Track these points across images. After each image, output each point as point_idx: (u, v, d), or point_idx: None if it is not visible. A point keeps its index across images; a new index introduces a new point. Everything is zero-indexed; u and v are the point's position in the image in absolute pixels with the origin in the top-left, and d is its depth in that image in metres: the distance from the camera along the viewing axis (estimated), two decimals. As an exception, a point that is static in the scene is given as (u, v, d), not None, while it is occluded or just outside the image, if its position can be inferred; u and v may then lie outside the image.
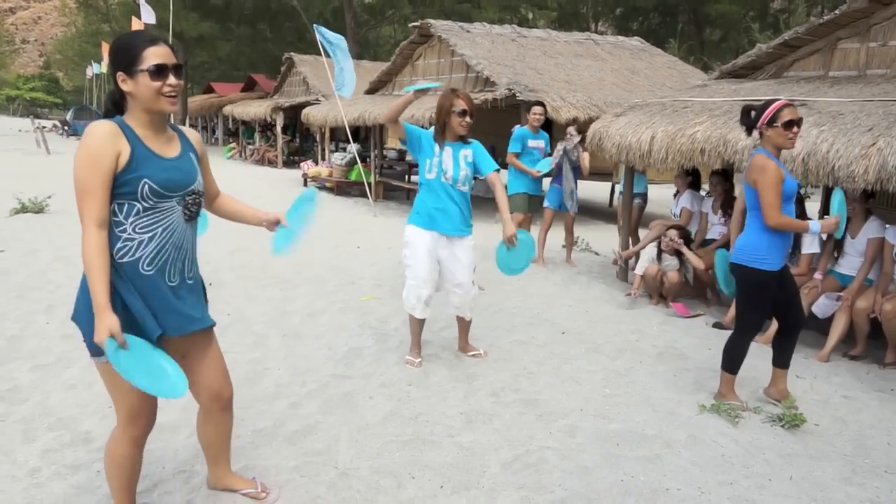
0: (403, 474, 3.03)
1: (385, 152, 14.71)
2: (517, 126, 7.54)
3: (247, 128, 24.66)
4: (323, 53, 11.91)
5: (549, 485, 2.98)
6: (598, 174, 12.22)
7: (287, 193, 13.39)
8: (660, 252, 6.20)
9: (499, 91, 10.56)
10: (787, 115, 3.63)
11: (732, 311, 5.59)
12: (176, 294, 2.30)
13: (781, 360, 3.98)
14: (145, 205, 2.18)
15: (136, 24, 21.36)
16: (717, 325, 5.60)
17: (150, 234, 2.21)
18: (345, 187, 14.23)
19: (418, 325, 4.40)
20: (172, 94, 2.18)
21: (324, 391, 3.92)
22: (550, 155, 7.50)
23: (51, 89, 68.15)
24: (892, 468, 3.34)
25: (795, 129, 3.65)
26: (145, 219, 2.19)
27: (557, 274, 7.25)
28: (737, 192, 7.90)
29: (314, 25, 12.24)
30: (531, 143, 7.27)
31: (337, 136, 18.82)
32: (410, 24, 14.11)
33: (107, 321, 2.07)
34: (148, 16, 19.27)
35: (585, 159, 7.36)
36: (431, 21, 12.99)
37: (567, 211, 7.59)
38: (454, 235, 4.25)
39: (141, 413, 2.34)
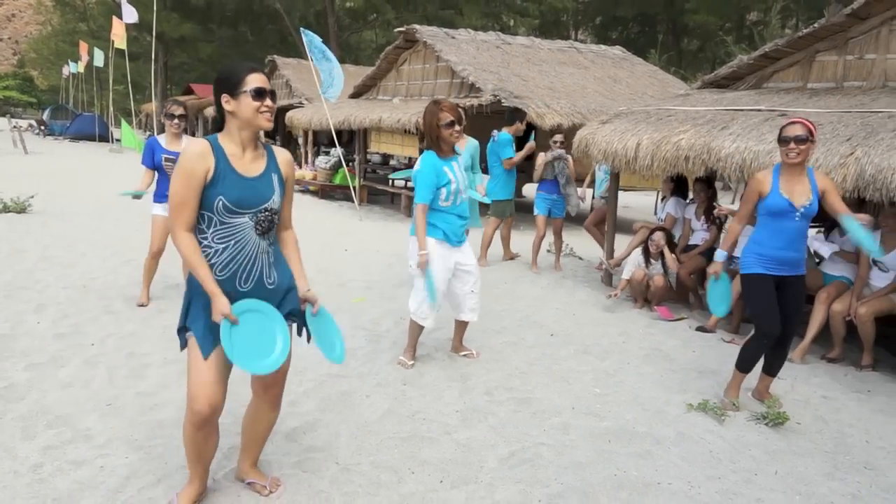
0: (403, 469, 3.10)
1: (369, 156, 14.75)
2: (499, 131, 7.71)
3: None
4: (310, 57, 11.94)
5: (546, 479, 3.07)
6: (582, 180, 12.42)
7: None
8: (647, 257, 6.33)
9: (484, 97, 10.68)
10: (783, 132, 3.80)
11: (714, 317, 5.76)
12: (244, 297, 2.51)
13: (766, 366, 4.13)
14: (220, 218, 2.44)
15: (117, 24, 21.20)
16: (700, 329, 5.74)
17: (224, 245, 2.47)
18: (329, 191, 14.25)
19: (419, 330, 4.47)
20: (270, 113, 2.46)
21: (321, 390, 3.98)
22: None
23: (25, 88, 66.99)
24: (872, 464, 3.48)
25: (792, 144, 3.78)
26: (221, 230, 2.46)
27: (544, 278, 7.37)
28: (720, 199, 8.11)
29: (301, 29, 12.28)
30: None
31: (319, 139, 18.82)
32: (396, 30, 14.20)
33: (219, 305, 2.39)
34: (129, 15, 19.14)
35: (572, 167, 7.62)
36: (417, 27, 13.10)
37: (557, 217, 7.80)
38: (462, 244, 4.38)
39: (197, 398, 2.49)
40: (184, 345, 2.55)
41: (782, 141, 3.81)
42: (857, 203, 5.27)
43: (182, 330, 2.54)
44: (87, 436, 3.29)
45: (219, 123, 2.54)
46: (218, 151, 2.44)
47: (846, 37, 6.39)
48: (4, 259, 6.81)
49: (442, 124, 4.15)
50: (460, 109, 4.31)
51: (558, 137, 7.67)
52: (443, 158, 4.22)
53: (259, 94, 2.43)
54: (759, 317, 3.96)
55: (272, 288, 2.59)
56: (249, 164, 2.49)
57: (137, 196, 5.33)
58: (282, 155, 2.62)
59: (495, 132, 7.77)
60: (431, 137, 4.21)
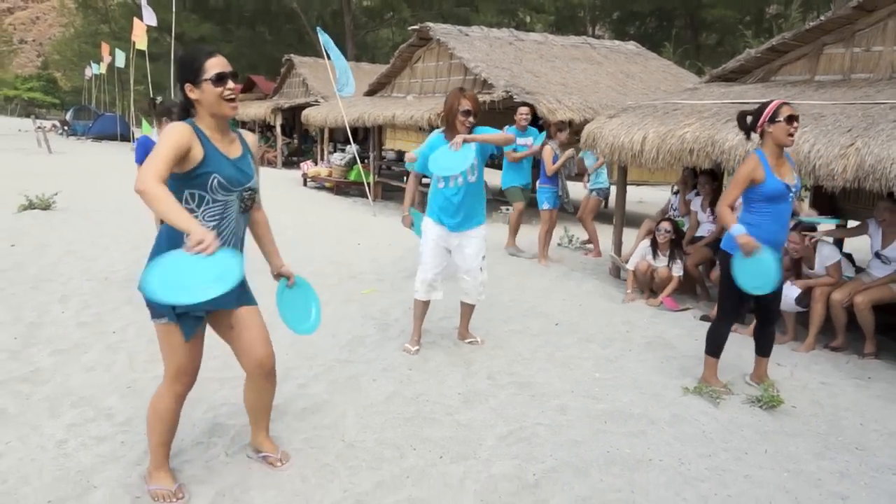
0: (405, 446, 3.26)
1: (384, 153, 14.93)
2: (507, 126, 7.95)
3: (246, 129, 24.86)
4: (325, 56, 12.14)
5: (541, 456, 3.21)
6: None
7: (286, 193, 13.62)
8: (654, 248, 6.41)
9: (496, 93, 10.80)
10: (786, 111, 3.87)
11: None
12: None
13: (758, 348, 4.25)
14: (213, 196, 2.56)
15: (138, 25, 21.57)
16: (705, 318, 5.83)
17: (214, 223, 2.59)
18: (344, 187, 14.45)
19: (422, 309, 4.64)
20: (232, 97, 2.52)
21: (329, 374, 4.15)
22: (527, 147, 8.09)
23: (49, 89, 68.23)
24: (863, 445, 3.57)
25: (796, 123, 3.89)
26: (213, 208, 2.58)
27: (552, 270, 7.49)
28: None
29: (317, 28, 12.49)
30: (519, 140, 7.87)
31: (335, 136, 19.04)
32: (409, 28, 14.35)
33: (200, 234, 2.19)
34: (149, 17, 19.48)
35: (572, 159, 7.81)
36: (430, 24, 13.23)
37: (554, 208, 7.92)
38: (462, 231, 4.53)
39: (186, 371, 2.67)
40: (157, 317, 2.58)
41: (789, 119, 3.85)
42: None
43: (156, 305, 2.55)
44: (109, 414, 3.49)
45: (185, 111, 2.59)
46: (200, 134, 2.53)
47: (853, 29, 6.42)
48: (30, 253, 7.07)
49: (460, 110, 4.35)
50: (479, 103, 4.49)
51: (563, 136, 7.81)
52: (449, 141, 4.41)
53: (220, 78, 2.48)
54: (729, 302, 4.05)
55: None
56: (229, 147, 2.62)
57: None
58: (250, 137, 2.78)
59: (506, 128, 7.93)
60: (448, 120, 4.43)
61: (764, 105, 3.96)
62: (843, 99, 5.91)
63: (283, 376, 4.07)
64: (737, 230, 3.84)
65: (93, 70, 35.96)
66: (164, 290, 2.19)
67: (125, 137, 29.44)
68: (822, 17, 6.64)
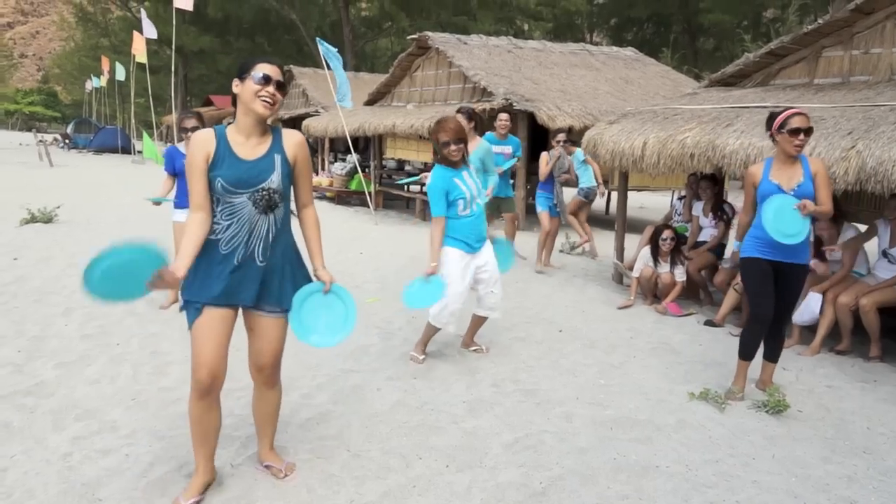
0: (411, 456, 3.25)
1: (384, 162, 14.97)
2: (485, 133, 7.88)
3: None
4: (325, 66, 12.18)
5: (548, 463, 3.20)
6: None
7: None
8: (655, 255, 6.40)
9: (496, 101, 10.83)
10: (794, 123, 3.86)
11: (723, 309, 5.85)
12: (234, 272, 2.69)
13: (766, 352, 4.23)
14: (221, 197, 2.65)
15: (138, 39, 21.69)
16: (709, 323, 5.82)
17: (229, 222, 2.67)
18: (345, 197, 14.47)
19: (435, 331, 4.60)
20: (268, 100, 2.60)
21: (333, 384, 4.14)
22: (516, 159, 8.04)
23: (49, 103, 68.51)
24: (871, 449, 3.56)
25: (802, 136, 3.87)
26: (225, 208, 2.66)
27: (554, 276, 7.49)
28: (729, 197, 8.17)
29: (317, 39, 12.54)
30: (496, 148, 7.59)
31: (335, 146, 19.09)
32: (409, 37, 14.42)
33: (174, 268, 2.51)
34: (149, 30, 19.58)
35: (571, 166, 7.72)
36: (429, 34, 13.28)
37: (554, 216, 7.86)
38: (481, 249, 4.50)
39: (200, 364, 2.67)
40: (185, 309, 2.75)
41: (792, 132, 3.86)
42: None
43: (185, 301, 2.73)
44: (114, 427, 3.48)
45: (200, 115, 2.80)
46: (220, 138, 2.64)
47: (851, 32, 6.44)
48: (33, 266, 7.08)
49: (441, 143, 4.27)
50: (475, 112, 4.43)
51: (561, 137, 7.75)
52: (453, 169, 4.33)
53: (264, 79, 2.59)
54: (752, 299, 4.08)
55: (262, 266, 2.73)
56: (252, 149, 2.67)
57: (157, 202, 5.55)
58: (291, 137, 2.76)
59: (484, 135, 7.96)
60: (441, 156, 4.34)
61: (783, 110, 3.96)
62: (842, 102, 5.92)
63: (287, 386, 4.06)
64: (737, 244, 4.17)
65: (93, 83, 36.16)
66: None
67: (126, 150, 29.52)
68: (821, 21, 6.66)
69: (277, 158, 2.69)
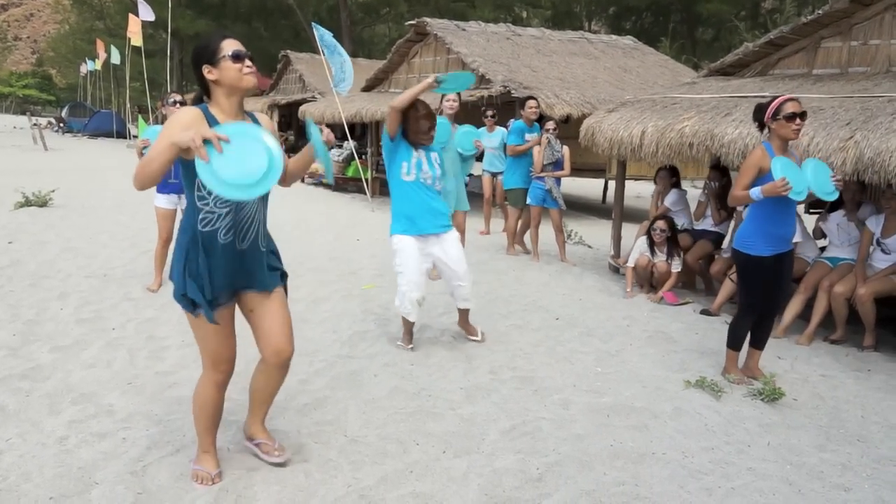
0: (408, 441, 3.26)
1: (381, 149, 14.93)
2: (513, 119, 7.90)
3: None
4: (321, 52, 12.09)
5: (544, 450, 3.21)
6: (591, 170, 12.49)
7: (284, 190, 13.54)
8: (651, 245, 6.40)
9: (494, 88, 10.78)
10: (789, 108, 3.88)
11: (719, 298, 5.86)
12: (244, 257, 2.67)
13: (753, 340, 4.26)
14: None
15: (133, 21, 21.50)
16: (705, 312, 5.84)
17: (227, 209, 2.58)
18: (342, 183, 14.42)
19: (409, 322, 4.58)
20: (249, 72, 2.56)
21: (331, 370, 4.14)
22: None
23: (44, 86, 68.07)
24: (865, 437, 3.58)
25: (798, 121, 3.89)
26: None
27: (552, 265, 7.49)
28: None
29: (312, 24, 12.43)
30: (527, 136, 7.67)
31: (332, 132, 19.02)
32: (407, 23, 14.33)
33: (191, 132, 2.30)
34: (146, 13, 19.41)
35: (566, 154, 7.56)
36: (428, 19, 13.21)
37: (552, 208, 7.59)
38: (441, 233, 4.46)
39: (222, 359, 2.73)
40: (188, 308, 2.65)
41: (790, 117, 3.87)
42: (859, 187, 5.33)
43: (183, 296, 2.64)
44: (110, 411, 3.48)
45: (200, 98, 2.65)
46: (210, 118, 2.55)
47: (850, 23, 6.42)
48: (28, 250, 7.05)
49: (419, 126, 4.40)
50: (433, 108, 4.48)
51: (550, 125, 7.67)
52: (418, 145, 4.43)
53: (237, 56, 2.54)
54: (754, 297, 4.08)
55: (264, 250, 2.75)
56: None
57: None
58: (263, 119, 2.78)
59: (511, 121, 7.94)
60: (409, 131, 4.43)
61: (773, 99, 3.99)
62: (841, 92, 5.91)
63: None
64: (755, 192, 3.84)
65: (88, 67, 35.84)
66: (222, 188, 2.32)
67: (121, 134, 29.35)
68: (820, 11, 6.64)
69: None
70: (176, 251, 2.67)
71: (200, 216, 2.57)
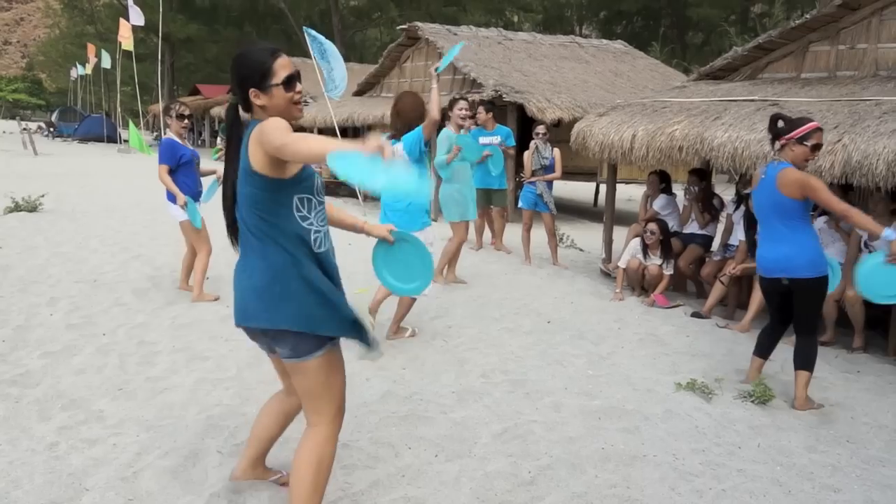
0: (400, 445, 3.25)
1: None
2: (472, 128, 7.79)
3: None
4: (313, 57, 12.08)
5: (536, 453, 3.22)
6: (582, 173, 12.55)
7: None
8: (644, 248, 6.42)
9: (485, 92, 10.81)
10: (815, 139, 3.81)
11: (710, 301, 5.89)
12: (329, 266, 2.39)
13: (761, 350, 4.25)
14: (318, 198, 2.35)
15: (124, 26, 21.41)
16: (696, 315, 5.87)
17: (324, 226, 2.38)
18: (333, 188, 14.41)
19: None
20: (300, 100, 2.30)
21: (322, 374, 4.13)
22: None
23: (34, 91, 67.68)
24: (854, 438, 3.61)
25: (817, 153, 3.88)
26: (321, 211, 2.36)
27: (543, 269, 7.50)
28: (722, 191, 8.21)
29: (304, 29, 12.42)
30: (483, 139, 7.75)
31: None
32: (398, 27, 14.36)
33: (372, 141, 1.86)
34: (136, 17, 19.34)
35: (557, 156, 7.56)
36: (419, 24, 13.25)
37: (544, 212, 7.55)
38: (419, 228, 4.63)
39: (343, 406, 2.42)
40: (311, 352, 2.29)
41: (815, 147, 3.80)
42: (843, 190, 5.37)
43: (314, 338, 2.28)
44: (100, 417, 3.46)
45: (236, 112, 2.37)
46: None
47: (838, 27, 6.49)
48: (17, 255, 7.00)
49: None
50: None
51: (540, 129, 7.68)
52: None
53: (290, 81, 2.25)
54: (816, 315, 4.06)
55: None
56: None
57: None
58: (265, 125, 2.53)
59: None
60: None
61: (801, 119, 3.90)
62: (829, 96, 5.97)
63: (277, 376, 4.06)
64: (890, 233, 3.63)
65: (78, 71, 35.67)
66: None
67: (111, 139, 29.21)
68: (808, 16, 6.71)
69: None
70: (280, 289, 2.25)
71: (312, 238, 2.29)
